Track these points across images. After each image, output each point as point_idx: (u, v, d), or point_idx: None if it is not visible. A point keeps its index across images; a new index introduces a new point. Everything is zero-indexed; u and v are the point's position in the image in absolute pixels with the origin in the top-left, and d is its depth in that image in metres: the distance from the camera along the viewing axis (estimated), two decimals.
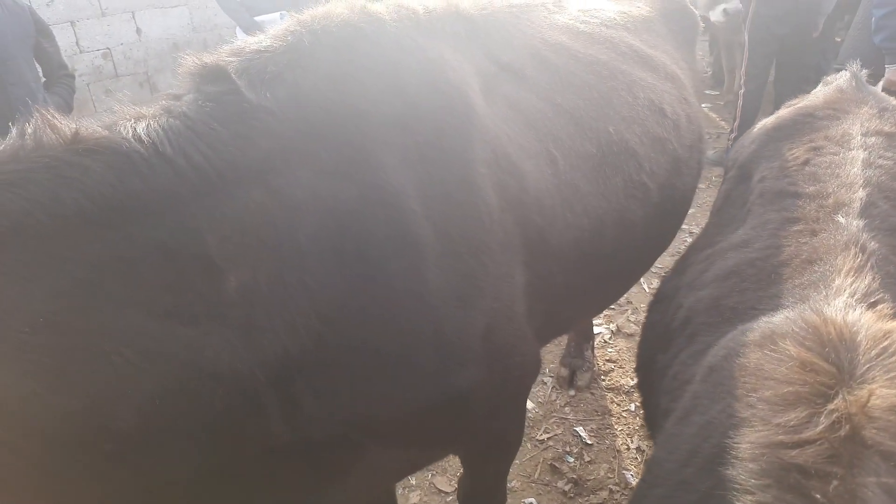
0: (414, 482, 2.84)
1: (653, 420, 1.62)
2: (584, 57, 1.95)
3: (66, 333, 0.93)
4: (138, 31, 6.84)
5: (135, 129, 1.07)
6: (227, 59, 1.25)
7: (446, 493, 2.79)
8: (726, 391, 1.09)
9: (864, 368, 0.96)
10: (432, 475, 2.86)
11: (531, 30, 1.90)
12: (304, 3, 1.45)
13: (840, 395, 0.92)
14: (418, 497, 2.78)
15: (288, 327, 1.14)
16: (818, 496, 0.82)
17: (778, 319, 1.17)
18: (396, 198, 1.28)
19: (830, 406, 0.91)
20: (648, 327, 1.85)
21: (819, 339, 1.02)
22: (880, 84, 3.90)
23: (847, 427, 0.88)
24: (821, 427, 0.89)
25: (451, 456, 2.89)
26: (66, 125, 1.02)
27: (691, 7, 2.85)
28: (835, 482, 0.83)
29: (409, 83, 1.40)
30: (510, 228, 1.50)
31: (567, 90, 1.82)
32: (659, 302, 1.84)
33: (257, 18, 5.16)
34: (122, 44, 6.74)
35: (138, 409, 1.00)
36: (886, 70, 3.87)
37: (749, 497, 0.89)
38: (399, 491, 2.77)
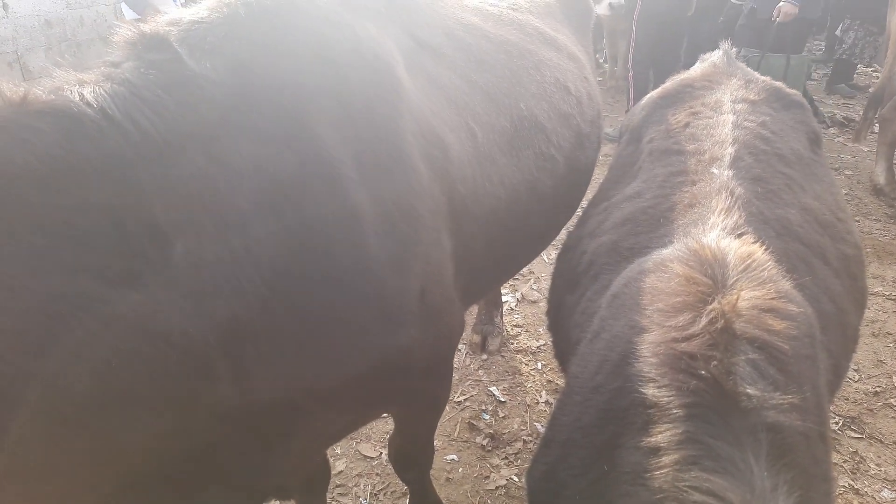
0: (339, 451, 2.90)
1: (563, 355, 1.82)
2: (494, 37, 2.06)
3: (21, 296, 0.92)
4: (4, 6, 6.11)
5: (81, 93, 1.05)
6: (165, 28, 1.25)
7: (371, 458, 2.88)
8: (628, 309, 1.30)
9: (734, 280, 1.20)
10: (357, 443, 2.93)
11: (445, 10, 1.99)
12: None
13: (716, 300, 1.15)
14: (344, 464, 2.85)
15: (236, 292, 1.15)
16: (703, 372, 1.04)
17: (667, 251, 1.39)
18: (334, 166, 1.30)
19: (709, 308, 1.13)
20: (557, 275, 2.05)
21: (699, 260, 1.25)
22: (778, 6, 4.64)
23: (722, 322, 1.10)
24: (703, 323, 1.11)
25: (374, 423, 3.00)
26: (13, 89, 1.01)
27: None
28: (714, 362, 1.05)
29: (339, 56, 1.43)
30: (438, 197, 1.56)
31: (481, 68, 1.92)
32: (565, 252, 2.05)
33: None
34: None
35: (95, 372, 1.00)
36: (782, 4, 4.74)
37: (651, 384, 1.09)
38: None
